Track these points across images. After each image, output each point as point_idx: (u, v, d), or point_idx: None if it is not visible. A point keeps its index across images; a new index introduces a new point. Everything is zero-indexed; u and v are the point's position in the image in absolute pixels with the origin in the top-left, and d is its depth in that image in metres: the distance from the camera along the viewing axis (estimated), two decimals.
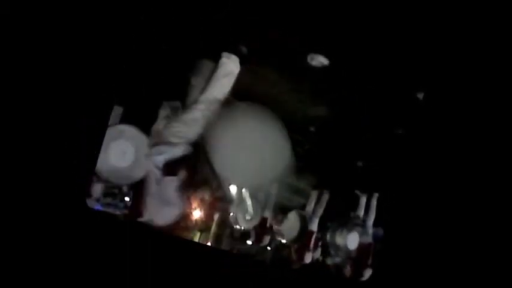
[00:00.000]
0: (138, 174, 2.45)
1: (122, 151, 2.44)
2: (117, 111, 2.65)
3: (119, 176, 2.48)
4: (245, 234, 3.32)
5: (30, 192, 1.44)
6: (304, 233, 3.76)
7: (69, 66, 1.54)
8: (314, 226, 3.76)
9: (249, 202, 3.19)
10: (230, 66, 2.35)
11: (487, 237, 1.81)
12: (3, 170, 1.40)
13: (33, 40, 1.47)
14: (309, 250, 3.76)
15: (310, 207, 3.81)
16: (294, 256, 3.85)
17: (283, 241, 3.91)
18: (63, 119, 1.52)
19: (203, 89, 2.42)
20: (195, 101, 2.39)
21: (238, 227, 3.26)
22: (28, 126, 1.46)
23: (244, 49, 2.54)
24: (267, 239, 3.54)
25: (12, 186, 1.41)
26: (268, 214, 3.47)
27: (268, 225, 3.49)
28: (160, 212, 2.41)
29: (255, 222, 3.29)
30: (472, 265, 1.80)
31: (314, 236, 3.76)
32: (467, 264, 1.81)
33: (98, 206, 2.67)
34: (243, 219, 3.19)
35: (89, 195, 2.58)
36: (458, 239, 1.85)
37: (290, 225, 3.79)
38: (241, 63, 2.45)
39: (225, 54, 2.35)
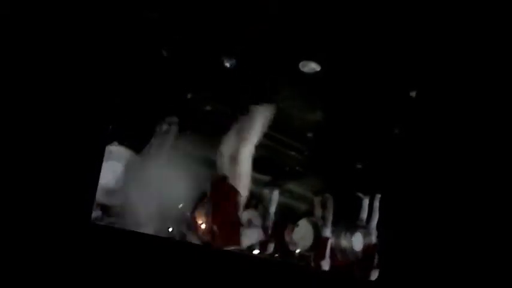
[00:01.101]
0: (130, 194, 2.55)
1: (112, 172, 2.55)
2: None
3: (110, 197, 2.58)
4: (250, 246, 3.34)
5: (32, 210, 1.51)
6: (318, 240, 3.75)
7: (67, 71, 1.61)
8: (328, 232, 3.75)
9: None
10: (264, 115, 2.57)
11: (491, 233, 1.78)
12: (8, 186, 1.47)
13: (31, 43, 1.55)
14: (326, 257, 3.75)
15: (318, 213, 3.81)
16: (312, 264, 3.84)
17: (297, 250, 3.90)
18: (62, 132, 1.59)
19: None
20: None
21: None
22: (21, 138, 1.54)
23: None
24: (270, 247, 3.55)
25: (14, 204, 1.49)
26: (269, 223, 3.49)
27: (270, 233, 3.49)
28: None
29: (258, 233, 3.32)
30: (474, 262, 1.78)
31: (329, 242, 3.75)
32: (470, 261, 1.79)
33: None
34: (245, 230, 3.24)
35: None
36: (462, 236, 1.82)
37: (302, 233, 3.78)
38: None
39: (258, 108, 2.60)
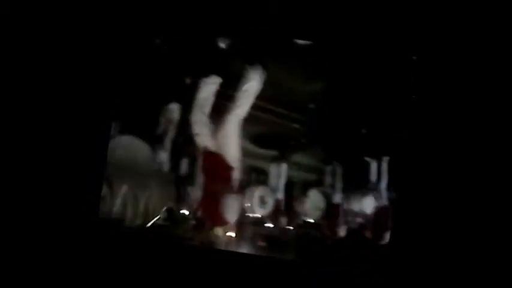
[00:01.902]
0: None
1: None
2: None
3: None
4: (263, 220, 3.38)
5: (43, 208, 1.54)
6: (330, 208, 3.80)
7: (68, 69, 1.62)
8: (338, 199, 3.79)
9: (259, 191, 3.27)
10: (254, 84, 2.51)
11: (503, 193, 1.79)
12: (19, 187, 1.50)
13: (31, 43, 1.55)
14: (339, 224, 3.81)
15: (328, 182, 3.85)
16: (327, 233, 3.90)
17: (311, 220, 3.96)
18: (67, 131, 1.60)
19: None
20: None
21: (255, 215, 3.34)
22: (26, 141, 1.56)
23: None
24: (284, 220, 3.60)
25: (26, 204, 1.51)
26: (281, 196, 3.53)
27: (282, 206, 3.54)
28: None
29: (271, 207, 3.36)
30: (484, 222, 1.79)
31: (341, 209, 3.80)
32: (480, 220, 1.80)
33: None
34: (258, 207, 3.27)
35: None
36: (472, 193, 1.83)
37: (313, 203, 3.83)
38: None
39: (248, 71, 2.53)
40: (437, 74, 2.00)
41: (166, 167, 2.81)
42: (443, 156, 1.88)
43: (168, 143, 2.82)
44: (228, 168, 2.45)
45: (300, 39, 2.69)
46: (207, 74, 2.87)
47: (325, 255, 2.93)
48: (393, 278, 1.92)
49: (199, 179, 2.64)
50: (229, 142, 2.49)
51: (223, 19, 2.51)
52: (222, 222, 2.41)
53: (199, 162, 2.68)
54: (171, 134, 2.88)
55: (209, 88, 2.56)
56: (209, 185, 2.44)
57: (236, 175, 2.43)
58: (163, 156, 2.80)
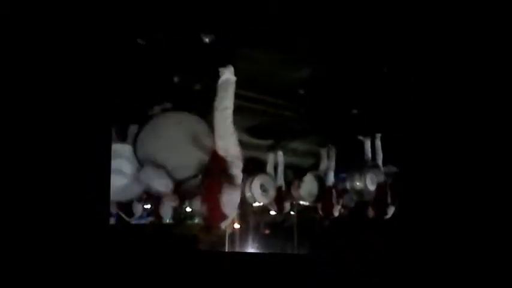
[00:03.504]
0: (139, 188, 2.60)
1: (118, 170, 2.56)
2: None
3: (121, 194, 2.62)
4: (266, 208, 3.42)
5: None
6: (323, 190, 3.89)
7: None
8: (330, 181, 3.89)
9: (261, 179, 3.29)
10: (228, 76, 2.45)
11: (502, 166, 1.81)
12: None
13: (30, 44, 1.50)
14: (333, 205, 3.91)
15: (323, 165, 3.93)
16: (321, 214, 3.99)
17: (306, 203, 4.03)
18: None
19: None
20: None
21: (257, 203, 3.36)
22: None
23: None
24: (287, 206, 3.66)
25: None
26: (281, 182, 3.57)
27: (284, 192, 3.59)
28: None
29: (272, 194, 3.39)
30: (486, 196, 1.81)
31: (334, 190, 3.89)
32: (481, 194, 1.82)
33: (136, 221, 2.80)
34: (260, 195, 3.29)
35: (132, 215, 2.73)
36: (469, 168, 1.84)
37: (308, 187, 3.90)
38: None
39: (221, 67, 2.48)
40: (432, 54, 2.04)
41: None
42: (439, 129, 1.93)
43: None
44: (225, 164, 2.46)
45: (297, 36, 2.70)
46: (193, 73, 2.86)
47: (323, 237, 2.97)
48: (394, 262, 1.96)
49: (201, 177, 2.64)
50: (226, 137, 2.48)
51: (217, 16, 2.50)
52: (222, 218, 2.42)
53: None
54: None
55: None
56: (208, 183, 2.45)
57: (236, 170, 2.43)
58: None
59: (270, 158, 3.57)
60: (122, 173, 2.59)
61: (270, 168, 3.57)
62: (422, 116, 2.01)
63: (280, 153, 3.56)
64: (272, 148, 3.56)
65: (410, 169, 2.08)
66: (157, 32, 2.64)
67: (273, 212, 3.57)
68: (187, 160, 2.57)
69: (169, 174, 2.53)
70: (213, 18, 2.58)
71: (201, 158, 2.53)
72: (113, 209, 2.77)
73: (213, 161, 2.43)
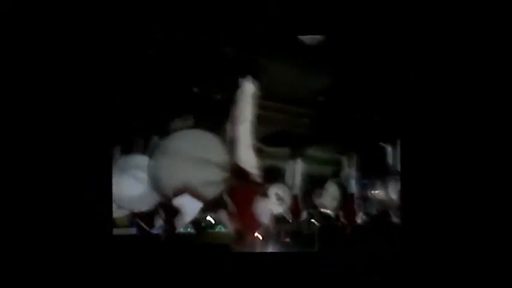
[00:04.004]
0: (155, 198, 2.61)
1: (134, 180, 2.64)
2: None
3: (138, 204, 2.68)
4: (283, 217, 3.41)
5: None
6: (345, 198, 3.86)
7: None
8: (352, 188, 3.86)
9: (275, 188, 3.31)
10: (249, 87, 2.51)
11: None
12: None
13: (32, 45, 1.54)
14: (356, 212, 3.87)
15: (344, 173, 3.90)
16: (344, 221, 3.95)
17: (329, 212, 4.00)
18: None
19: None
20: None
21: (273, 212, 3.36)
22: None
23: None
24: (303, 215, 3.64)
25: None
26: (297, 191, 3.57)
27: (301, 201, 3.58)
28: None
29: (287, 203, 3.41)
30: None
31: (356, 198, 3.86)
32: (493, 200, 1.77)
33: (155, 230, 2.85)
34: (275, 204, 3.31)
35: (152, 225, 2.78)
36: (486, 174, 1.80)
37: (330, 195, 3.89)
38: None
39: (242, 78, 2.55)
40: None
41: None
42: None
43: None
44: (248, 175, 2.48)
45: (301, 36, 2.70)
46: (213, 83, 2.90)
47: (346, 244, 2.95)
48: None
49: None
50: (246, 149, 2.52)
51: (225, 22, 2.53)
52: (257, 226, 2.46)
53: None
54: None
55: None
56: (238, 194, 2.48)
57: (257, 179, 2.46)
58: None
59: (289, 167, 3.56)
60: (141, 182, 2.64)
61: (288, 176, 3.56)
62: (423, 116, 1.98)
63: (299, 162, 3.55)
64: (291, 157, 3.56)
65: (410, 170, 2.05)
66: (177, 42, 2.68)
67: (289, 220, 3.55)
68: (211, 177, 2.57)
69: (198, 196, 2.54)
70: (233, 27, 2.60)
71: (223, 173, 2.53)
72: (134, 219, 2.82)
73: (236, 173, 2.46)
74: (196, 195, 2.49)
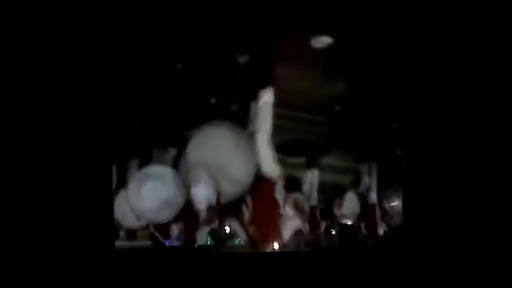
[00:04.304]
0: (176, 207, 2.67)
1: (153, 191, 2.67)
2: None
3: (157, 215, 2.71)
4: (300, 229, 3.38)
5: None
6: (366, 208, 3.79)
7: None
8: (373, 199, 3.79)
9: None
10: (268, 98, 2.57)
11: None
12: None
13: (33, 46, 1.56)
14: (377, 223, 3.79)
15: (364, 183, 3.84)
16: (365, 233, 3.87)
17: (349, 223, 3.93)
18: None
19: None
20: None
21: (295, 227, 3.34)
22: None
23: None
24: (322, 226, 3.59)
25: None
26: (315, 202, 3.52)
27: (319, 211, 3.53)
28: None
29: (305, 213, 3.36)
30: None
31: (377, 208, 3.79)
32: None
33: (173, 242, 2.87)
34: (293, 214, 3.27)
35: (169, 236, 2.80)
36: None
37: (350, 205, 3.82)
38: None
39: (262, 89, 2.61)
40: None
41: None
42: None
43: None
44: (271, 186, 2.51)
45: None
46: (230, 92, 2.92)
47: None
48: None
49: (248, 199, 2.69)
50: (268, 158, 2.54)
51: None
52: (277, 239, 2.47)
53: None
54: None
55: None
56: (258, 204, 2.50)
57: (280, 190, 2.47)
58: None
59: (306, 177, 3.53)
60: (159, 194, 2.69)
61: (306, 186, 3.53)
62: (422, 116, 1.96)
63: (315, 172, 3.52)
64: (307, 166, 3.53)
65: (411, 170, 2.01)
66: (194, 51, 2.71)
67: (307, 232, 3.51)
68: (236, 173, 2.60)
69: (216, 191, 2.57)
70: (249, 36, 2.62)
71: (249, 173, 2.56)
72: (151, 230, 2.85)
73: (260, 183, 2.48)
74: (216, 187, 2.52)
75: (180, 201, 2.68)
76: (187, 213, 2.68)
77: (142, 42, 2.26)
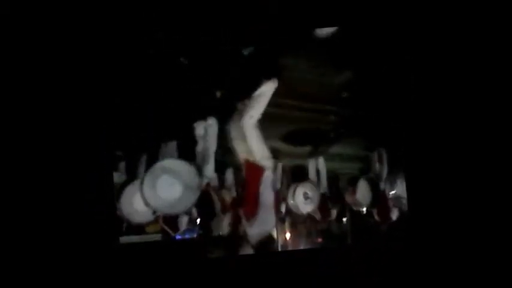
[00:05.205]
0: (192, 199, 2.73)
1: (169, 185, 2.72)
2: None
3: (174, 207, 2.76)
4: (312, 216, 3.37)
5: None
6: (378, 195, 3.76)
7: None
8: (385, 185, 3.75)
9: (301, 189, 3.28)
10: (267, 88, 2.60)
11: None
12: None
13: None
14: (390, 209, 3.76)
15: (375, 169, 3.80)
16: (378, 219, 3.85)
17: (363, 210, 3.91)
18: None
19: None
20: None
21: (301, 212, 3.34)
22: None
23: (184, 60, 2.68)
24: (333, 213, 3.57)
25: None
26: (324, 190, 3.51)
27: (328, 200, 3.52)
28: None
29: (315, 202, 3.35)
30: None
31: (389, 195, 3.76)
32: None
33: (178, 236, 2.90)
34: (303, 203, 3.26)
35: (177, 229, 2.83)
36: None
37: (363, 192, 3.80)
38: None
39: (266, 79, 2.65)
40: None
41: (214, 182, 2.87)
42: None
43: (211, 157, 2.88)
44: (260, 169, 2.53)
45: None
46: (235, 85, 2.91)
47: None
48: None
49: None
50: (254, 142, 2.55)
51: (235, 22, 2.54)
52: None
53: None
54: (212, 148, 2.93)
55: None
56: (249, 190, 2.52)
57: (269, 174, 2.48)
58: (210, 171, 2.85)
59: (311, 165, 3.51)
60: (175, 186, 2.75)
61: (312, 175, 3.51)
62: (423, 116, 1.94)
63: (321, 160, 3.49)
64: (312, 154, 3.50)
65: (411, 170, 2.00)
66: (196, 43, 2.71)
67: (318, 220, 3.50)
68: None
69: None
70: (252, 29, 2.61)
71: None
72: (160, 223, 2.88)
73: (249, 170, 2.49)
74: None
75: (196, 192, 2.74)
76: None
77: (144, 41, 2.26)
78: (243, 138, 2.52)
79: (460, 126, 1.80)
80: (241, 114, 2.55)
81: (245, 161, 2.58)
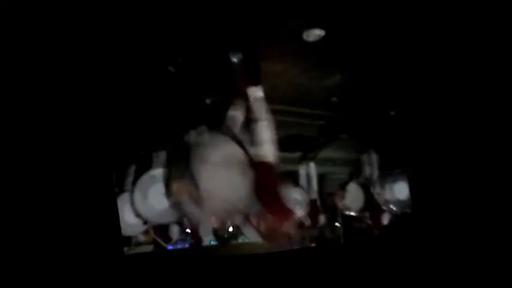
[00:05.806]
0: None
1: (161, 194, 2.62)
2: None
3: (166, 216, 2.69)
4: (302, 222, 3.36)
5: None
6: (370, 198, 3.77)
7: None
8: (378, 188, 3.76)
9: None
10: (259, 94, 2.60)
11: None
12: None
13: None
14: (382, 212, 3.76)
15: (366, 173, 3.81)
16: (370, 223, 3.85)
17: (353, 214, 3.91)
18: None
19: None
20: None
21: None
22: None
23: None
24: (322, 219, 3.57)
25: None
26: (314, 195, 3.51)
27: (318, 205, 3.52)
28: None
29: (305, 207, 3.35)
30: None
31: (380, 198, 3.76)
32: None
33: (170, 246, 2.85)
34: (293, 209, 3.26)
35: (169, 240, 2.79)
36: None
37: (353, 196, 3.80)
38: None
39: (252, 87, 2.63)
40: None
41: None
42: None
43: None
44: (273, 168, 2.53)
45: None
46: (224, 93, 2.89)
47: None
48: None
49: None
50: (269, 144, 2.59)
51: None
52: (290, 213, 2.49)
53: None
54: None
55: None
56: (264, 190, 2.49)
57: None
58: None
59: (302, 170, 3.51)
60: (162, 196, 2.67)
61: (302, 180, 3.51)
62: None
63: (312, 165, 3.50)
64: (303, 160, 3.51)
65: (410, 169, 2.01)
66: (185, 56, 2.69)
67: (308, 225, 3.49)
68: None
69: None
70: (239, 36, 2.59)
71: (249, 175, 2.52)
72: (152, 235, 2.84)
73: (263, 171, 2.49)
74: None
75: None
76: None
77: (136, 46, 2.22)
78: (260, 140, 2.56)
79: (460, 126, 1.80)
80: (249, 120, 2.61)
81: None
